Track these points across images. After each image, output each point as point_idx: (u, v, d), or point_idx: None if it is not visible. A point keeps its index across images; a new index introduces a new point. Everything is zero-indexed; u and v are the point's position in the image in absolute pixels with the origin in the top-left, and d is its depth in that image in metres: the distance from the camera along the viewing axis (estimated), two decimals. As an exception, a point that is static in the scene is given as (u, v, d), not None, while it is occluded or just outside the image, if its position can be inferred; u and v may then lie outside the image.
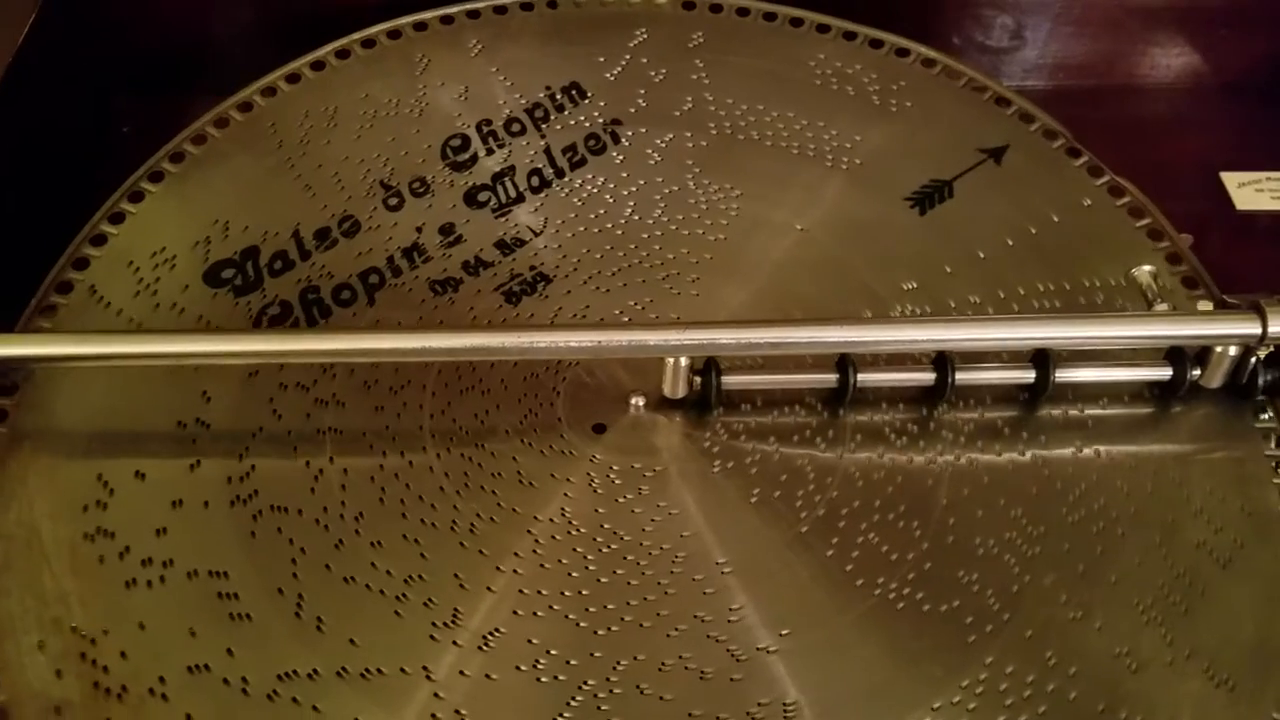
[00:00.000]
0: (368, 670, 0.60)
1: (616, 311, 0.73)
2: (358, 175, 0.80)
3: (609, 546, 0.64)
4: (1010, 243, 0.76)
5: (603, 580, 0.63)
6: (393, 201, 0.79)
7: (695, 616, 0.62)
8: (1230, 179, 0.94)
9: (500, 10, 0.90)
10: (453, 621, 0.62)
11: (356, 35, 0.87)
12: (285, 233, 0.77)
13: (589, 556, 0.64)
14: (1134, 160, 0.83)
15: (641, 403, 0.70)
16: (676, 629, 0.62)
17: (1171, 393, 0.71)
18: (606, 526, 0.65)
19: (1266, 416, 0.70)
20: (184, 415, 0.69)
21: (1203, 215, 0.90)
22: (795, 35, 0.88)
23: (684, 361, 0.67)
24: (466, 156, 0.81)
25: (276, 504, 0.66)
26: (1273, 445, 0.69)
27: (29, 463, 0.67)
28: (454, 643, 0.61)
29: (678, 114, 0.84)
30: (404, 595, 0.62)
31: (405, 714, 0.59)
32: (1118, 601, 0.63)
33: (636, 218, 0.78)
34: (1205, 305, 0.73)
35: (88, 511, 0.66)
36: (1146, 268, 0.75)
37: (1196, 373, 0.70)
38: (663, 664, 0.60)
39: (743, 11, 0.90)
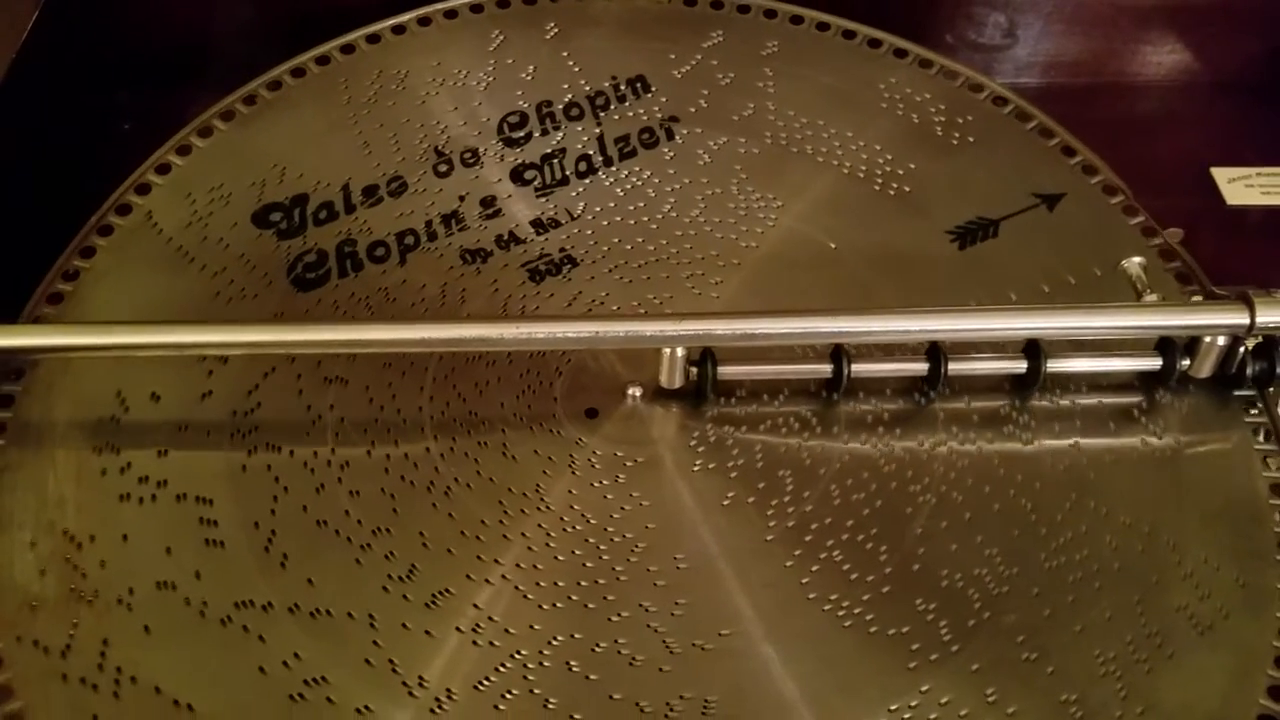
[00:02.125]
0: (317, 610, 0.62)
1: (634, 303, 0.75)
2: (415, 139, 0.83)
3: (574, 527, 0.66)
4: (1046, 289, 0.76)
5: (559, 558, 0.65)
6: (442, 168, 0.81)
7: (640, 605, 0.63)
8: (1221, 174, 0.94)
9: (583, -3, 0.91)
10: (407, 576, 0.64)
11: (440, 5, 0.89)
12: (336, 184, 0.80)
13: (551, 534, 0.65)
14: (1126, 157, 0.84)
15: (638, 392, 0.71)
16: (619, 614, 0.63)
17: (1161, 382, 0.71)
18: (575, 508, 0.66)
19: (1256, 412, 0.71)
20: (208, 347, 0.71)
21: (1193, 211, 0.91)
22: (871, 56, 0.89)
23: (680, 352, 0.68)
24: (521, 134, 0.83)
25: (272, 442, 0.68)
26: (1261, 439, 0.70)
27: (58, 371, 0.71)
28: (404, 597, 0.63)
29: (736, 119, 0.84)
30: (368, 545, 0.65)
31: (341, 655, 0.61)
32: (1078, 649, 0.63)
33: (674, 215, 0.79)
34: (1195, 297, 0.74)
35: (101, 424, 0.69)
36: (1136, 259, 0.75)
37: (1186, 363, 0.71)
38: (597, 645, 0.62)
39: (823, 26, 0.90)
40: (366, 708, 0.60)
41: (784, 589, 0.64)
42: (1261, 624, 0.64)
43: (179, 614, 0.62)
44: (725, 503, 0.67)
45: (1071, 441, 0.70)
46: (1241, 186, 0.94)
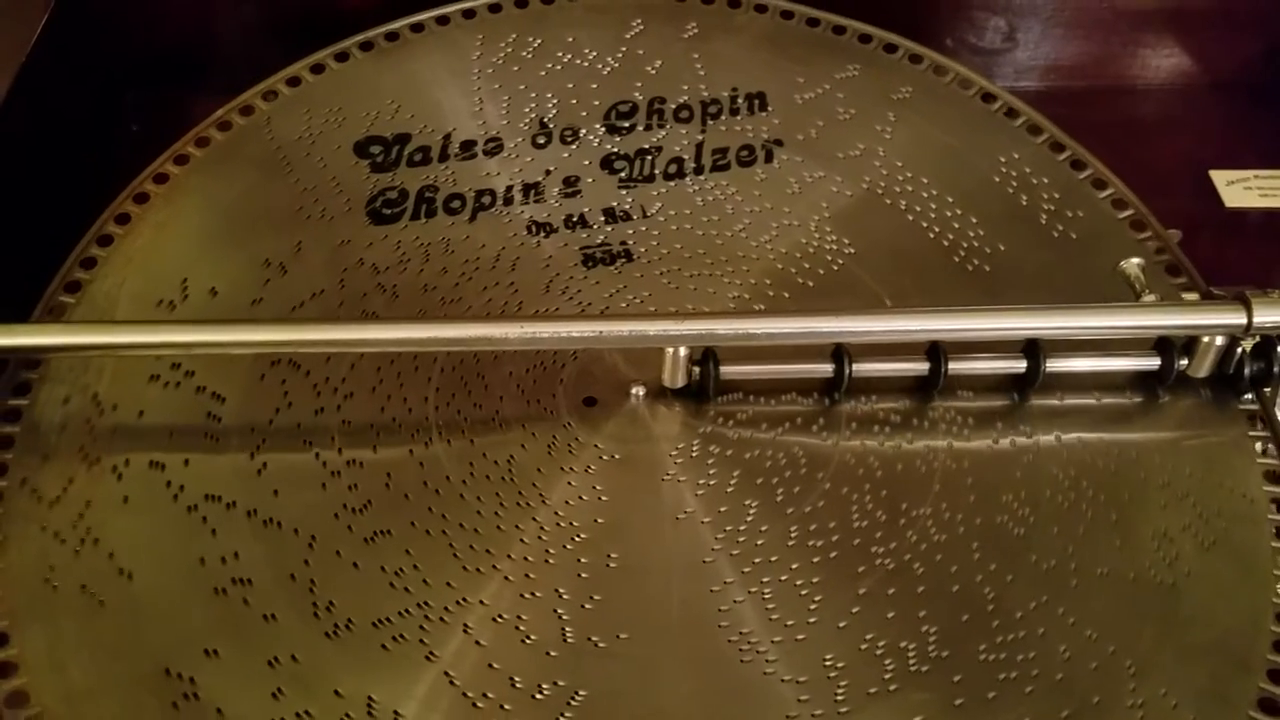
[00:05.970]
0: (269, 519, 0.71)
1: (671, 308, 0.80)
2: (525, 106, 0.91)
3: (526, 503, 0.72)
4: (1094, 400, 0.78)
5: (500, 528, 0.71)
6: (541, 140, 0.89)
7: (555, 590, 0.69)
8: (1219, 177, 0.99)
9: (734, 4, 0.97)
10: (360, 510, 0.71)
11: (595, -17, 0.96)
12: (439, 132, 0.89)
13: (503, 503, 0.72)
14: (1125, 160, 0.87)
15: (641, 391, 0.76)
16: (532, 593, 0.69)
17: (1160, 382, 0.75)
18: (535, 486, 0.73)
19: (1249, 397, 0.76)
20: (273, 256, 0.82)
21: (1192, 213, 0.96)
22: (1003, 125, 0.92)
23: (683, 351, 0.74)
24: (626, 124, 0.90)
25: (293, 358, 0.77)
26: (1256, 429, 0.75)
27: (140, 248, 0.82)
28: (348, 527, 0.71)
29: (840, 156, 0.89)
30: (338, 473, 0.72)
31: (271, 563, 0.69)
32: None
33: (743, 236, 0.84)
34: (1192, 297, 0.77)
35: (160, 306, 0.79)
36: (1135, 260, 0.78)
37: (1184, 363, 0.75)
38: (499, 616, 0.68)
39: (965, 83, 0.94)
40: (273, 615, 0.67)
41: (696, 611, 0.69)
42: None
43: (157, 493, 0.71)
44: (680, 516, 0.72)
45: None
46: (1240, 189, 0.99)
